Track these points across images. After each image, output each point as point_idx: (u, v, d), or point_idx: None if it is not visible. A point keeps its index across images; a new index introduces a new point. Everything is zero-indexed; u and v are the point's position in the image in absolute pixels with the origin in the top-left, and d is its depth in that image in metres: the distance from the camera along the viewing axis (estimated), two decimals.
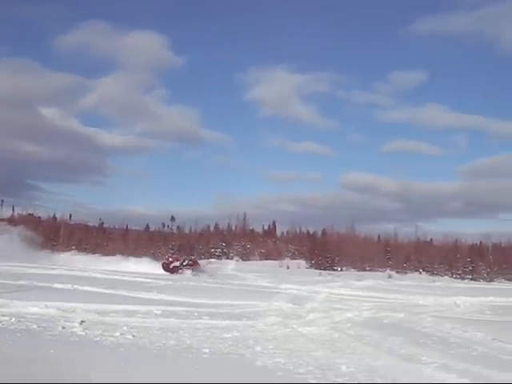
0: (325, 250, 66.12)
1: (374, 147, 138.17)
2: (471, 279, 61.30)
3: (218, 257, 72.34)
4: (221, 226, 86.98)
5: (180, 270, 34.54)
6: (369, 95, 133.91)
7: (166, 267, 35.34)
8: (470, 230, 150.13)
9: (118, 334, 9.72)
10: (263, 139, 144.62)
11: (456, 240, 75.87)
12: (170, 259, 36.94)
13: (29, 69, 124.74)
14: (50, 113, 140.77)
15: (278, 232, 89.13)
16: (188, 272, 33.82)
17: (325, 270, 57.20)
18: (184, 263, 35.73)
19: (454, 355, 9.54)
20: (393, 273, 55.69)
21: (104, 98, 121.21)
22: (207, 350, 8.72)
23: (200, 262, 40.21)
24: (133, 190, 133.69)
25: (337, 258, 65.76)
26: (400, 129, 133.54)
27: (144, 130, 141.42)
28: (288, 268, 57.20)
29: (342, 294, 22.21)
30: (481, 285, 46.90)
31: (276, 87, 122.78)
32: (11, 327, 9.58)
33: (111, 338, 9.24)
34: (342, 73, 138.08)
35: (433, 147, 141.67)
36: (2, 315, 10.59)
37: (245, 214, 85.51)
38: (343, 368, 8.01)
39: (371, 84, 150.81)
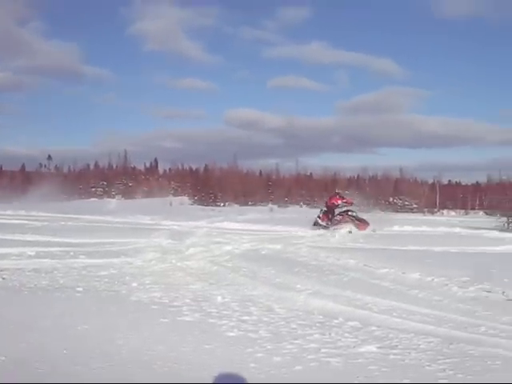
0: (207, 186, 66.45)
1: (260, 83, 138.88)
2: None
3: (100, 196, 70.87)
4: (101, 165, 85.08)
5: (340, 218, 22.62)
6: (256, 31, 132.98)
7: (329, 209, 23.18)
8: (349, 163, 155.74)
9: None
10: (148, 75, 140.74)
11: (335, 173, 78.64)
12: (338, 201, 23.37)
13: None
14: None
15: (161, 169, 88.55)
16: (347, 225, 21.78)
17: (208, 205, 57.51)
18: (350, 213, 22.73)
19: (327, 282, 9.91)
20: (274, 206, 56.88)
21: None
22: (81, 289, 8.54)
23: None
24: (9, 130, 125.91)
25: (219, 194, 66.25)
26: (285, 65, 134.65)
27: (21, 66, 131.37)
28: (171, 205, 56.99)
29: (224, 228, 22.36)
30: None
31: (161, 22, 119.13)
32: None
33: None
34: (230, 8, 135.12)
35: (316, 83, 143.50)
36: None
37: (125, 151, 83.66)
38: (219, 299, 8.12)
39: (259, 20, 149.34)
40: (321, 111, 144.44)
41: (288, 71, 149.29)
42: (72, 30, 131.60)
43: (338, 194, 24.59)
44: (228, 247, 14.84)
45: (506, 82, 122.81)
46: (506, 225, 26.24)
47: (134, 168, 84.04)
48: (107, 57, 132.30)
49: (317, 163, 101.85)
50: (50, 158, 79.90)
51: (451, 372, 5.02)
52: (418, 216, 51.69)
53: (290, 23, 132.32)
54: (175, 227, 21.99)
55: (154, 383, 4.47)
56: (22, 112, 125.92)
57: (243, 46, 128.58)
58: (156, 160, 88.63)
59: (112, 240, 15.90)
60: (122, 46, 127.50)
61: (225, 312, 7.24)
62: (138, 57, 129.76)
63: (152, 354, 5.27)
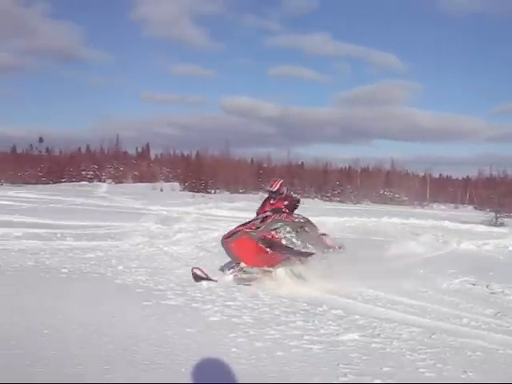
0: (199, 172, 66.29)
1: (260, 72, 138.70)
2: (339, 201, 63.81)
3: (90, 179, 70.57)
4: (93, 149, 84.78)
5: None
6: (259, 20, 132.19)
7: None
8: (343, 154, 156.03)
9: None
10: (147, 60, 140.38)
11: (326, 164, 78.68)
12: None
13: None
14: None
15: (153, 155, 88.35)
16: None
17: (199, 192, 57.42)
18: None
19: None
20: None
21: None
22: (66, 270, 8.51)
23: None
24: (3, 111, 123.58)
25: (211, 181, 66.21)
26: (286, 55, 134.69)
27: (22, 47, 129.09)
28: (161, 190, 56.89)
29: (212, 215, 22.38)
30: (347, 206, 48.94)
31: (165, 7, 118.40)
32: None
33: None
34: None
35: (316, 74, 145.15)
36: None
37: (117, 135, 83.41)
38: (204, 283, 8.11)
39: (263, 8, 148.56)
40: (318, 102, 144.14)
41: (288, 61, 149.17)
42: (74, 12, 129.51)
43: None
44: (216, 233, 14.78)
45: (501, 79, 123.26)
46: (493, 220, 26.46)
47: (125, 152, 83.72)
48: (108, 40, 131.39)
49: (309, 153, 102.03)
50: (41, 140, 79.29)
51: (431, 362, 5.04)
52: (408, 208, 51.86)
53: (293, 13, 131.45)
54: (164, 212, 21.99)
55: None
56: (19, 94, 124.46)
57: (245, 33, 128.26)
58: (148, 145, 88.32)
59: (100, 223, 15.87)
60: (124, 30, 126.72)
61: (209, 297, 7.23)
62: (139, 41, 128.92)
63: (134, 336, 5.26)
